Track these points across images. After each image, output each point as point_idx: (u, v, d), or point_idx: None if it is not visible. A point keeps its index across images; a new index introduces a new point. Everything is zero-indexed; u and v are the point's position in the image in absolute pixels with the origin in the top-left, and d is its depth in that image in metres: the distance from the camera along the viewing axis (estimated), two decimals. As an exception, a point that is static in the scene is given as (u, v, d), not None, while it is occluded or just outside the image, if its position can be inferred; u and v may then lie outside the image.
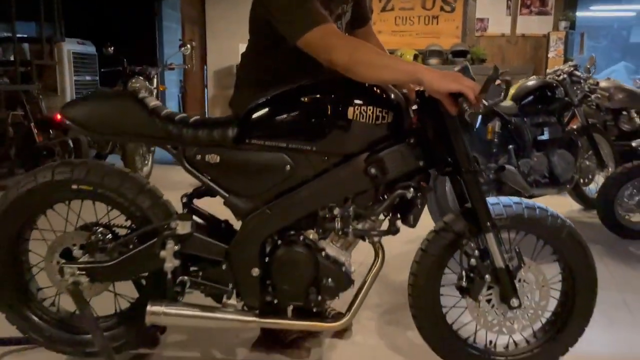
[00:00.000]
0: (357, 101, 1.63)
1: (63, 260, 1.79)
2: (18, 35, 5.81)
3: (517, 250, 1.81)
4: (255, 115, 1.70)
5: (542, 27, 6.76)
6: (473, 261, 1.78)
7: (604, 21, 10.88)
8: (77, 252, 1.79)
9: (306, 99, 1.68)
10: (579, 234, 1.84)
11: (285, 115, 1.69)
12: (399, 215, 1.76)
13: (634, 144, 3.82)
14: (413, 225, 1.73)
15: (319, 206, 1.71)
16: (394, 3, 6.94)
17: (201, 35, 6.90)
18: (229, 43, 6.84)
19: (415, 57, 6.65)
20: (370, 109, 1.63)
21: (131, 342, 1.90)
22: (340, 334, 2.21)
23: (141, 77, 5.34)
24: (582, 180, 4.32)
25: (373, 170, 1.66)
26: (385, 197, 1.71)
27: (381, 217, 1.77)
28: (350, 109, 1.62)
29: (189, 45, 5.75)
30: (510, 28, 6.85)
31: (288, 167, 1.68)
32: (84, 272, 1.75)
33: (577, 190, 4.31)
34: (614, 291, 2.70)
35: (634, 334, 2.29)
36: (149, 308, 1.72)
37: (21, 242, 1.87)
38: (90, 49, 7.15)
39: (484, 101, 1.54)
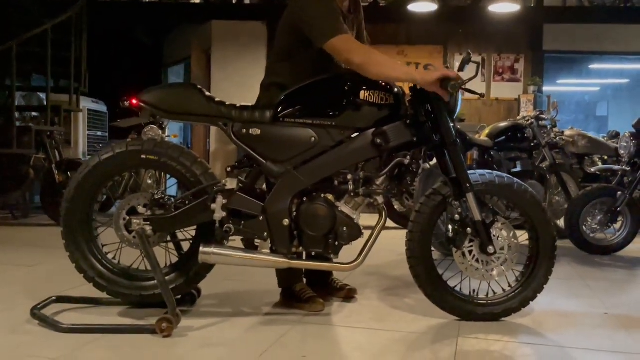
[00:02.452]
0: (366, 87, 2.17)
1: (128, 217, 2.23)
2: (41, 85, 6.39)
3: (492, 208, 2.29)
4: (288, 100, 2.22)
5: (513, 92, 7.55)
6: (457, 217, 2.25)
7: (571, 96, 11.86)
8: (141, 209, 2.24)
9: (326, 87, 2.23)
10: (539, 197, 2.33)
11: (311, 99, 2.22)
12: (397, 182, 2.26)
13: (593, 169, 4.37)
14: (411, 184, 2.22)
15: (337, 170, 2.20)
16: (381, 69, 7.71)
17: (206, 95, 7.56)
18: (232, 102, 7.49)
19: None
20: (376, 93, 2.17)
21: (179, 287, 2.30)
22: (348, 298, 2.62)
23: (155, 127, 5.87)
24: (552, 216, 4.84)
25: (378, 140, 2.16)
26: (388, 163, 2.21)
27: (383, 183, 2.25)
28: (362, 92, 2.16)
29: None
30: (485, 93, 7.62)
31: (313, 139, 2.18)
32: (148, 223, 2.18)
33: (549, 222, 4.80)
34: (578, 280, 3.16)
35: (593, 299, 2.73)
36: (201, 249, 2.14)
37: (94, 203, 2.31)
38: (103, 107, 7.77)
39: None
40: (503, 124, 4.56)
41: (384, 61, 2.16)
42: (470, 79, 2.11)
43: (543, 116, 4.63)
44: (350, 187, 2.20)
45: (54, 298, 2.41)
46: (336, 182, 2.23)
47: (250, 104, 2.31)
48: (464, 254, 2.28)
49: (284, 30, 2.37)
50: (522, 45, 7.62)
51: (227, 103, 2.26)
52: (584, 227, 4.05)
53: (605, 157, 5.66)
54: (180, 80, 9.78)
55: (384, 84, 2.20)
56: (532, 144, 4.56)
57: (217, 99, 2.27)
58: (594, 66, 9.88)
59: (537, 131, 4.56)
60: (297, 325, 2.23)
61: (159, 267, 2.16)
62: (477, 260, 2.28)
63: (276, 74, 2.41)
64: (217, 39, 7.60)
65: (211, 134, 7.57)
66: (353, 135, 2.18)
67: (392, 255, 3.63)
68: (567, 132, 5.63)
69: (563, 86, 11.00)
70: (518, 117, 4.93)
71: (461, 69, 2.07)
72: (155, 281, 2.21)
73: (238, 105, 2.28)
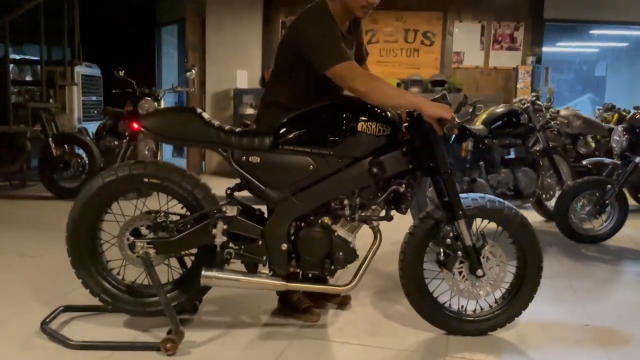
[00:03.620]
0: (364, 118, 2.21)
1: (132, 238, 2.31)
2: (34, 58, 6.31)
3: (482, 233, 2.38)
4: (286, 128, 2.26)
5: (512, 61, 7.50)
6: (448, 241, 2.35)
7: (570, 56, 11.77)
8: (144, 231, 2.31)
9: (325, 116, 2.26)
10: (529, 221, 2.42)
11: (310, 128, 2.26)
12: (393, 207, 2.33)
13: (584, 162, 4.44)
14: (404, 212, 2.29)
15: (334, 197, 2.27)
16: (379, 36, 7.62)
17: (201, 60, 7.46)
18: (227, 69, 7.42)
19: (398, 85, 7.31)
20: (374, 124, 2.21)
21: (182, 304, 2.41)
22: (342, 305, 2.75)
23: (150, 99, 5.83)
24: (544, 196, 4.95)
25: (375, 170, 2.22)
26: (384, 191, 2.28)
27: (379, 208, 2.32)
28: (360, 124, 2.20)
29: (193, 71, 6.29)
30: (484, 61, 7.57)
31: (311, 166, 2.24)
32: (151, 246, 2.27)
33: (540, 204, 4.91)
34: (564, 279, 3.29)
35: (576, 305, 2.88)
36: (203, 273, 2.24)
37: (98, 222, 2.38)
38: (97, 71, 7.69)
39: (456, 119, 2.15)
40: (499, 110, 4.56)
41: (388, 89, 2.20)
42: (464, 121, 2.15)
43: (539, 102, 4.66)
44: (347, 212, 2.27)
45: (61, 308, 2.52)
46: (333, 205, 2.30)
47: (248, 130, 2.35)
48: (454, 275, 2.38)
49: (284, 51, 2.38)
50: (522, 13, 7.50)
51: (225, 128, 2.30)
52: (572, 217, 4.17)
53: (599, 137, 5.75)
54: (174, 40, 9.63)
55: (381, 113, 2.23)
56: (528, 127, 4.59)
57: (216, 124, 2.30)
58: (594, 31, 9.77)
59: (533, 115, 4.58)
60: (294, 340, 2.36)
61: (163, 289, 2.27)
62: (466, 281, 2.39)
63: (276, 93, 2.43)
64: (212, 2, 7.44)
65: (206, 99, 7.54)
66: (350, 164, 2.24)
67: (385, 244, 3.70)
68: (563, 112, 5.68)
69: (562, 48, 10.90)
70: (514, 100, 4.94)
71: (458, 110, 2.11)
72: (157, 297, 2.32)
73: (237, 130, 2.31)
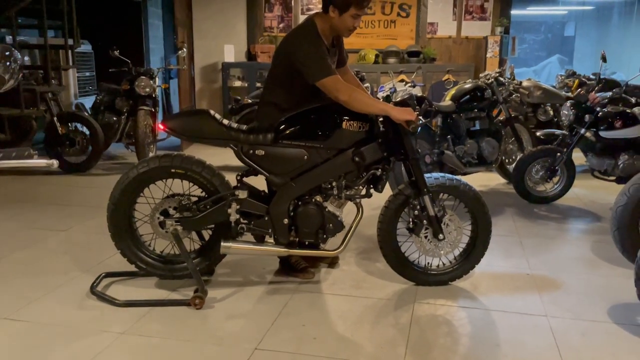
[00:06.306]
0: (347, 117, 2.76)
1: (162, 217, 2.87)
2: (30, 41, 6.64)
3: (442, 205, 2.98)
4: (285, 126, 2.80)
5: (482, 31, 8.00)
6: (416, 212, 2.95)
7: (540, 18, 12.25)
8: (171, 211, 2.87)
9: (316, 116, 2.80)
10: (480, 194, 3.02)
11: (304, 126, 2.80)
12: (372, 186, 2.91)
13: (538, 133, 5.04)
14: (380, 191, 2.88)
15: (324, 181, 2.83)
16: (357, 9, 8.01)
17: (189, 36, 7.83)
18: (215, 43, 7.82)
19: (377, 56, 7.78)
20: (355, 122, 2.76)
21: (203, 269, 2.99)
22: (332, 265, 3.35)
23: (145, 78, 6.24)
24: (506, 160, 5.57)
25: (357, 159, 2.78)
26: (364, 174, 2.85)
27: (360, 188, 2.90)
28: (344, 122, 2.75)
29: (184, 49, 6.69)
30: (456, 31, 8.06)
31: (305, 157, 2.79)
32: (179, 223, 2.82)
33: (502, 168, 5.54)
34: (515, 236, 3.94)
35: (521, 259, 3.53)
36: (222, 243, 2.81)
37: (133, 204, 2.93)
38: (88, 47, 8.01)
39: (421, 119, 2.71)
40: (467, 86, 5.10)
41: (364, 99, 2.74)
42: (425, 122, 2.71)
43: (501, 79, 5.20)
44: (335, 191, 2.85)
45: (103, 274, 3.09)
46: (324, 187, 2.87)
47: (253, 127, 2.87)
48: (421, 239, 2.99)
49: (279, 61, 2.88)
50: (492, -16, 7.96)
51: (235, 127, 2.83)
52: (527, 181, 4.80)
53: (558, 105, 6.34)
54: (159, 11, 9.89)
55: (360, 113, 2.78)
56: (492, 100, 5.14)
57: (226, 123, 2.83)
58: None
59: (496, 90, 5.14)
60: (295, 294, 2.97)
61: (190, 258, 2.84)
62: (430, 243, 3.01)
63: (274, 95, 2.93)
64: (197, -22, 7.76)
65: (195, 73, 7.93)
66: (337, 154, 2.80)
67: (367, 209, 4.30)
68: (525, 83, 6.26)
69: (532, 11, 11.37)
70: (480, 75, 5.47)
71: (420, 114, 2.67)
72: (183, 264, 2.91)
73: (244, 128, 2.85)
